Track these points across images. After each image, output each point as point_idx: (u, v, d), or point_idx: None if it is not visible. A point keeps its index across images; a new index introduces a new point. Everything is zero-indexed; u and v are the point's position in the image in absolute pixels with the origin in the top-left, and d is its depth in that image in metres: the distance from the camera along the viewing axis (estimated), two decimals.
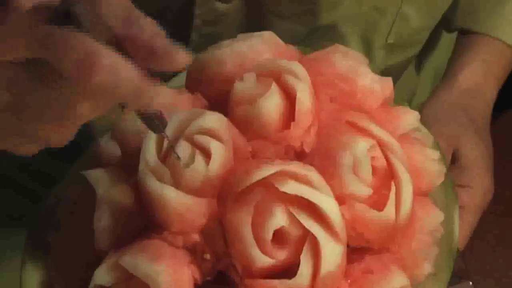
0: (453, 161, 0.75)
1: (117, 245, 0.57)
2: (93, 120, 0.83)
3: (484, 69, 0.81)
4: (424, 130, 0.67)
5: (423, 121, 0.67)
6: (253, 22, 0.76)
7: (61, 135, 0.49)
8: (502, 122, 1.39)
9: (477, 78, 0.81)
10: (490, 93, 0.82)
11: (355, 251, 0.59)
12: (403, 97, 0.92)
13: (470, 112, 0.79)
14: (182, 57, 0.45)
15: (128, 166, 0.60)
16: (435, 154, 0.64)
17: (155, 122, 0.51)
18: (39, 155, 0.86)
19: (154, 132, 0.51)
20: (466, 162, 0.74)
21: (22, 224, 0.82)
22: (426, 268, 0.61)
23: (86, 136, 0.81)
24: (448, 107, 0.79)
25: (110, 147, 0.63)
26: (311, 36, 0.77)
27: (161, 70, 0.46)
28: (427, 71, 0.96)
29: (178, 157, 0.55)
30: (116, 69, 0.43)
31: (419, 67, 0.95)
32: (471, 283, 0.78)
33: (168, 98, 0.47)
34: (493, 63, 0.82)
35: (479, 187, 0.74)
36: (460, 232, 0.68)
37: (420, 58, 0.94)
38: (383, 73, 0.65)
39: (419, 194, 0.62)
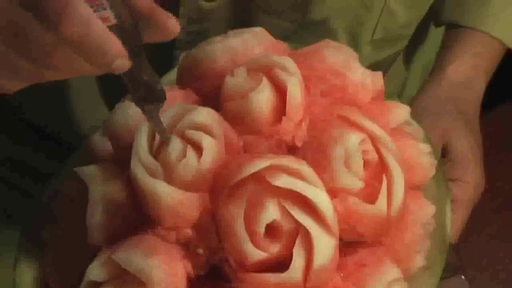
0: (444, 155, 0.75)
1: (110, 240, 0.57)
2: (84, 118, 0.84)
3: (472, 62, 0.82)
4: (415, 124, 0.68)
5: (413, 115, 0.67)
6: (240, 19, 0.76)
7: (37, 78, 0.51)
8: (500, 116, 1.39)
9: (466, 71, 0.81)
10: (479, 86, 0.82)
11: (348, 245, 0.59)
12: (393, 91, 0.93)
13: (460, 104, 0.79)
14: (173, 24, 0.49)
15: (120, 161, 0.60)
16: (427, 148, 0.64)
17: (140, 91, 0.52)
18: (31, 152, 0.86)
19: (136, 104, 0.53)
20: (457, 155, 0.75)
21: (15, 220, 0.82)
22: (419, 261, 0.61)
23: (76, 135, 0.82)
24: (438, 101, 0.79)
25: (102, 143, 0.63)
26: (299, 32, 0.78)
27: (155, 39, 0.49)
28: (416, 65, 0.96)
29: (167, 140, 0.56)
30: (88, 21, 0.46)
31: (408, 61, 0.95)
32: (463, 277, 0.79)
33: None
34: (481, 56, 0.82)
35: (470, 180, 0.74)
36: (453, 225, 0.68)
37: (409, 52, 0.94)
38: (371, 68, 0.65)
39: (411, 187, 0.63)
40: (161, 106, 0.54)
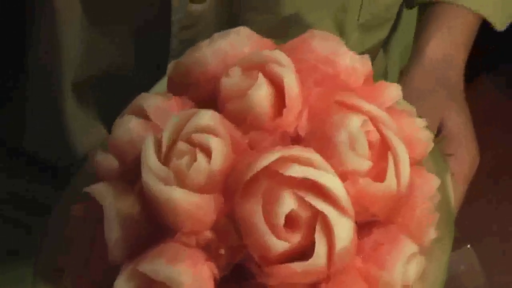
0: (438, 133, 0.77)
1: (131, 255, 0.57)
2: (78, 142, 0.84)
3: (450, 38, 0.83)
4: (404, 102, 0.69)
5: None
6: (228, 21, 0.77)
7: None
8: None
9: (444, 48, 0.83)
10: (460, 61, 0.83)
11: (362, 227, 0.60)
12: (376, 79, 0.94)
13: (445, 82, 0.80)
14: None
15: (128, 175, 0.60)
16: (423, 122, 0.65)
17: None
18: (27, 183, 0.86)
19: None
20: (450, 131, 0.76)
21: (19, 257, 0.82)
22: (431, 233, 0.62)
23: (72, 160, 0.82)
24: (422, 82, 0.81)
25: (106, 161, 0.62)
26: (285, 25, 0.79)
27: None
28: (393, 52, 0.98)
29: None
30: None
31: (385, 49, 0.97)
32: (469, 246, 0.80)
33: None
34: (458, 30, 0.84)
35: (465, 154, 0.75)
36: None
37: (386, 38, 0.95)
38: None
39: (413, 163, 0.64)
40: None
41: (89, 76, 0.82)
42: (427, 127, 0.66)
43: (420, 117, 0.67)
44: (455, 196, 0.71)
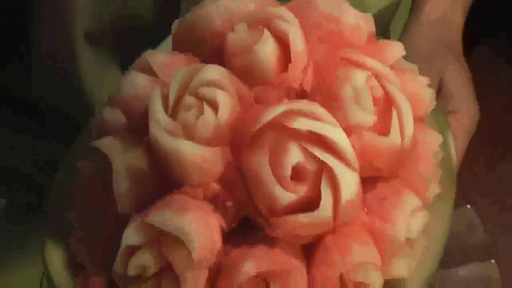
0: (438, 90, 0.77)
1: (139, 208, 0.58)
2: (92, 88, 0.84)
3: None
4: (404, 61, 0.69)
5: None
6: None
7: None
8: None
9: (443, 8, 0.83)
10: (459, 20, 0.84)
11: (366, 181, 0.61)
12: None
13: (444, 41, 0.81)
14: None
15: (135, 130, 0.61)
16: (425, 80, 0.66)
17: None
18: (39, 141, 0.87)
19: None
20: (450, 88, 0.77)
21: (36, 215, 0.83)
22: (434, 189, 0.63)
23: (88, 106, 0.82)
24: (421, 41, 0.81)
25: (113, 116, 0.63)
26: None
27: None
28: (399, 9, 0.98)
29: None
30: None
31: None
32: (469, 206, 0.81)
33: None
34: None
35: (465, 111, 0.76)
36: None
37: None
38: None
39: (415, 120, 0.64)
40: None
41: (104, 22, 0.82)
42: (430, 85, 0.66)
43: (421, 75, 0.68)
44: (455, 153, 0.72)
